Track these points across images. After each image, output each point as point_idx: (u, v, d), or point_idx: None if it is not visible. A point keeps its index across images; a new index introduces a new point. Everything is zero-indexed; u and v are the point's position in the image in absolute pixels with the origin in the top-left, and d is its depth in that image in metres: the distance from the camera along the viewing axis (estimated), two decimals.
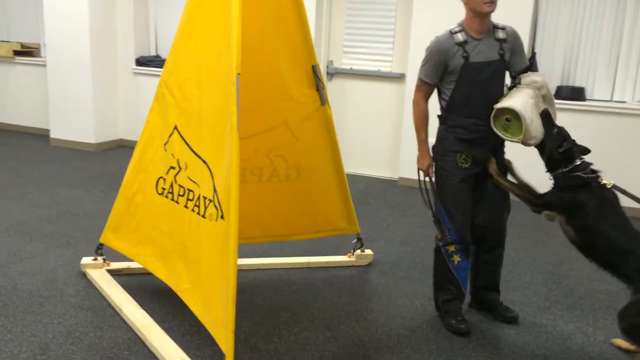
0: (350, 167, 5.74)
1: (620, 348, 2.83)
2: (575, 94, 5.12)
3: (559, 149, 2.62)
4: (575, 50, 5.23)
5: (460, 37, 2.78)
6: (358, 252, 3.72)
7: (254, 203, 3.31)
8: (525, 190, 2.79)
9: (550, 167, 2.68)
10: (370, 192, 5.46)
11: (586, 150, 2.66)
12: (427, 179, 2.98)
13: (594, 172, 2.61)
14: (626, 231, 2.55)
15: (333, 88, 6.02)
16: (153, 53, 6.86)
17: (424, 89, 2.90)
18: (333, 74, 6.01)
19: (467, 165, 2.84)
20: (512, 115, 2.67)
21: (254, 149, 3.19)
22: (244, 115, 2.62)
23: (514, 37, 2.87)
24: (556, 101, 5.10)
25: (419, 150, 2.97)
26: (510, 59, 2.86)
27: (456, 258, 2.86)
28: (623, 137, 4.94)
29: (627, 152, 4.91)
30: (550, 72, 5.28)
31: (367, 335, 2.85)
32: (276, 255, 3.75)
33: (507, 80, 2.90)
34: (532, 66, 2.84)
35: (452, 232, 2.86)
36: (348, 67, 5.97)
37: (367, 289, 3.44)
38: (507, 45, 2.82)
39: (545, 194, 2.70)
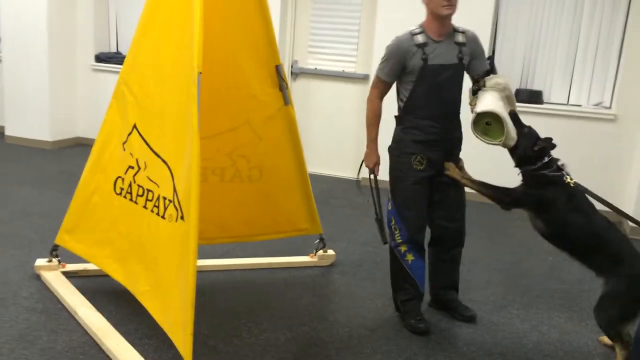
0: (314, 167, 5.75)
1: (606, 345, 2.86)
2: (534, 97, 5.25)
3: (534, 147, 2.66)
4: (534, 55, 5.36)
5: (420, 38, 2.80)
6: (320, 252, 3.72)
7: (216, 203, 3.28)
8: (492, 189, 2.80)
9: (521, 164, 2.73)
10: (333, 192, 5.47)
11: (554, 145, 2.73)
12: (372, 176, 3.03)
13: (560, 169, 2.69)
14: (595, 222, 2.63)
15: (298, 88, 6.01)
16: (113, 49, 6.72)
17: (380, 86, 2.92)
18: (298, 74, 6.01)
19: (421, 168, 2.87)
20: (493, 119, 2.69)
21: (216, 148, 3.15)
22: (206, 115, 2.59)
23: (474, 41, 2.90)
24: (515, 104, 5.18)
25: (368, 147, 3.01)
26: (469, 63, 2.89)
27: (410, 257, 2.89)
28: (579, 140, 5.09)
29: (583, 154, 5.06)
30: (509, 75, 5.39)
31: (328, 335, 2.85)
32: (238, 256, 3.72)
33: (467, 84, 2.93)
34: (491, 69, 2.89)
35: (403, 233, 2.88)
36: (313, 67, 5.97)
37: (329, 289, 3.45)
38: (466, 49, 2.85)
39: (514, 191, 2.74)
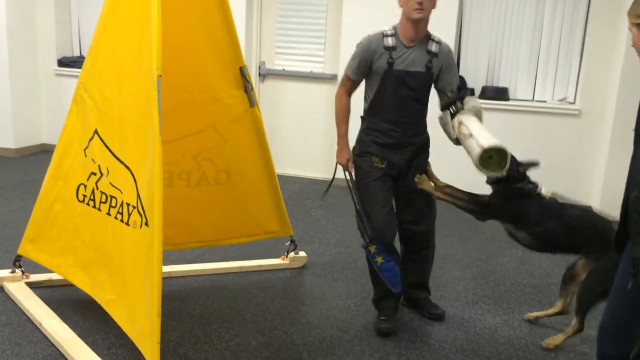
0: (285, 168, 5.73)
1: (530, 321, 3.11)
2: (499, 94, 5.32)
3: (519, 169, 2.72)
4: (499, 53, 5.43)
5: (390, 41, 2.76)
6: (292, 254, 3.70)
7: (183, 208, 3.24)
8: (467, 202, 2.81)
9: (497, 182, 2.76)
10: (305, 193, 5.45)
11: (536, 164, 2.78)
12: (347, 173, 2.96)
13: (532, 183, 2.77)
14: (575, 215, 2.77)
15: (265, 89, 5.98)
16: (77, 53, 6.57)
17: (347, 84, 2.91)
18: (265, 75, 5.97)
19: (382, 166, 2.85)
20: (495, 152, 2.60)
21: (181, 152, 3.11)
22: (169, 118, 2.55)
23: (447, 53, 2.84)
24: (481, 101, 5.25)
25: (338, 144, 2.98)
26: (439, 75, 2.83)
27: (379, 259, 2.85)
28: (544, 135, 5.17)
29: (548, 149, 5.14)
30: (475, 73, 5.47)
31: (300, 338, 2.83)
32: (208, 261, 3.68)
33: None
34: (462, 86, 2.96)
35: (369, 230, 2.84)
36: (280, 68, 5.94)
37: (301, 291, 3.43)
38: (437, 60, 2.80)
39: (489, 204, 2.78)
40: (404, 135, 2.84)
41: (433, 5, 2.73)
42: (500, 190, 2.77)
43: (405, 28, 2.76)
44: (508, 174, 2.66)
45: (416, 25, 2.74)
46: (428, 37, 2.81)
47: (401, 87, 2.77)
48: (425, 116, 2.92)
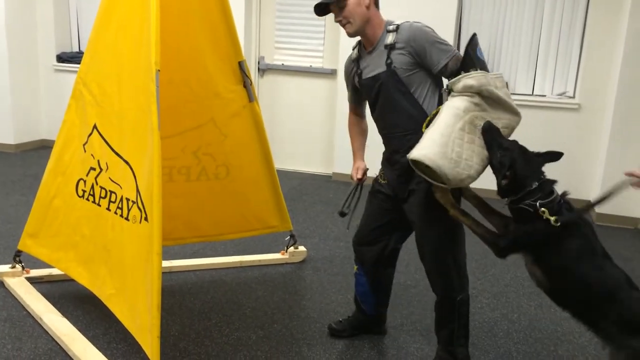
0: (284, 163, 5.74)
1: None
2: None
3: (502, 180, 2.07)
4: (498, 47, 5.42)
5: (354, 53, 2.51)
6: (291, 249, 3.70)
7: (183, 203, 3.24)
8: (485, 230, 2.19)
9: (502, 194, 2.12)
10: (304, 188, 5.45)
11: (554, 157, 2.12)
12: (358, 186, 2.64)
13: (549, 194, 2.04)
14: (608, 274, 1.99)
15: (265, 84, 5.97)
16: (76, 49, 6.57)
17: (350, 107, 2.71)
18: (265, 70, 5.96)
19: (384, 181, 2.56)
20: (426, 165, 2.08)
21: (180, 147, 3.11)
22: (169, 113, 2.55)
23: (409, 37, 2.32)
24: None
25: (353, 159, 2.72)
26: (424, 62, 2.33)
27: (355, 267, 2.73)
28: (544, 129, 5.17)
29: (547, 143, 5.12)
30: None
31: (300, 332, 2.84)
32: (208, 255, 3.69)
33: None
34: (468, 58, 2.22)
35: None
36: (280, 63, 5.93)
37: (301, 285, 3.43)
38: (397, 51, 2.33)
39: (506, 231, 2.15)
40: (388, 150, 2.51)
41: (357, 14, 2.33)
42: (513, 210, 2.09)
43: (363, 34, 2.44)
44: (514, 182, 2.04)
45: (366, 31, 2.40)
46: (387, 31, 2.38)
47: (372, 95, 2.45)
48: (417, 123, 2.33)
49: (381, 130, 2.51)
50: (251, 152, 3.28)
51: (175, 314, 2.94)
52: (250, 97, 3.16)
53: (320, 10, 2.40)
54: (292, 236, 3.67)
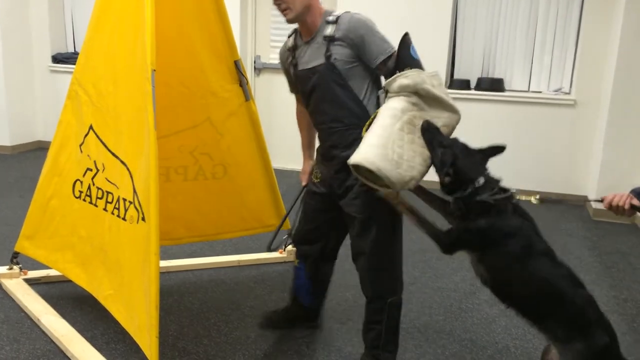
0: (281, 162, 5.73)
1: None
2: (495, 85, 5.32)
3: (445, 178, 2.02)
4: (494, 44, 5.43)
5: (290, 41, 2.40)
6: (289, 247, 3.70)
7: (180, 203, 3.24)
8: (431, 227, 2.14)
9: (447, 192, 2.08)
10: (301, 187, 5.43)
11: (496, 150, 2.08)
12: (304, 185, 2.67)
13: (504, 190, 2.01)
14: (548, 270, 1.95)
15: (261, 83, 5.97)
16: (71, 49, 6.56)
17: (296, 97, 2.62)
18: (260, 69, 5.96)
19: (317, 181, 2.52)
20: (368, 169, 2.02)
21: (177, 147, 3.11)
22: (165, 113, 2.55)
23: (349, 29, 2.24)
24: (477, 92, 5.19)
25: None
26: (364, 56, 2.25)
27: (296, 260, 2.71)
28: (539, 125, 5.18)
29: (543, 139, 5.16)
30: (470, 64, 5.47)
31: (298, 331, 2.83)
32: (206, 255, 3.69)
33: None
34: (402, 58, 2.19)
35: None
36: (276, 62, 5.92)
37: None
38: (337, 42, 2.25)
39: (450, 229, 2.11)
40: (324, 145, 2.41)
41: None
42: (459, 206, 2.04)
43: (301, 22, 2.34)
44: (457, 178, 2.00)
45: (305, 19, 2.31)
46: (326, 22, 2.29)
47: (308, 88, 2.35)
48: (356, 118, 2.28)
49: (319, 125, 2.41)
50: (248, 151, 3.28)
51: (174, 314, 2.94)
52: (247, 96, 3.16)
53: None
54: (290, 235, 3.67)
